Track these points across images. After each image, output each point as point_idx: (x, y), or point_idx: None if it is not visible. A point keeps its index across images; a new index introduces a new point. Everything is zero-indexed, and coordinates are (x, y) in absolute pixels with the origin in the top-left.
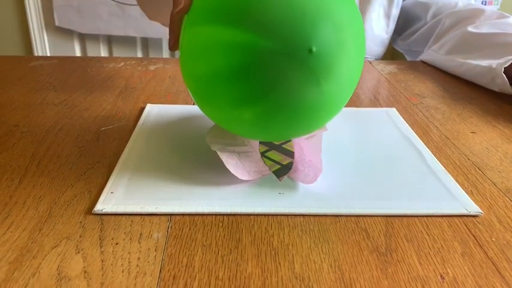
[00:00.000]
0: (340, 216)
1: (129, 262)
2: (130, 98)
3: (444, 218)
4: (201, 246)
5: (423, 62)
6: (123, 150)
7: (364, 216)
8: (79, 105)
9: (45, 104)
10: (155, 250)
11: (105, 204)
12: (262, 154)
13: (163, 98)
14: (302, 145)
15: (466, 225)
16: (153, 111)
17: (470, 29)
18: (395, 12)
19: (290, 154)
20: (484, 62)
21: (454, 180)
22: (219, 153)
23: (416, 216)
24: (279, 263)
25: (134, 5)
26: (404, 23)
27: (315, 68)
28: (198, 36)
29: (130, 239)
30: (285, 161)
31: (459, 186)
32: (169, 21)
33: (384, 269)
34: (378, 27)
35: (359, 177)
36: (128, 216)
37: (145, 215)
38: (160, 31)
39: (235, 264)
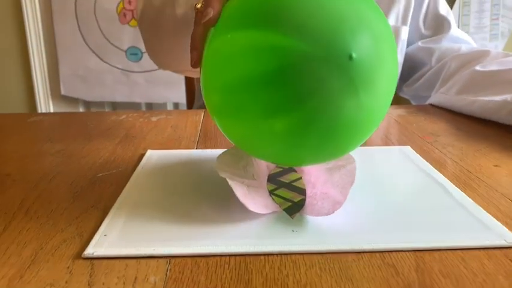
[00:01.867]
0: (363, 252)
1: None
2: (131, 145)
3: (481, 250)
4: None
5: (432, 105)
6: (120, 194)
7: (390, 251)
8: (76, 154)
9: (41, 153)
10: None
11: (97, 247)
12: (271, 192)
13: (164, 145)
14: (313, 180)
15: (507, 257)
16: (154, 156)
17: (478, 68)
18: (399, 58)
19: (301, 191)
20: (498, 97)
21: (485, 212)
22: (228, 180)
23: (450, 249)
24: None
25: (139, 72)
26: (409, 70)
27: (355, 77)
28: (228, 42)
29: (124, 283)
30: (297, 198)
31: (493, 218)
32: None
33: None
34: None
35: (380, 212)
36: (122, 260)
37: (141, 258)
38: (165, 96)
39: None
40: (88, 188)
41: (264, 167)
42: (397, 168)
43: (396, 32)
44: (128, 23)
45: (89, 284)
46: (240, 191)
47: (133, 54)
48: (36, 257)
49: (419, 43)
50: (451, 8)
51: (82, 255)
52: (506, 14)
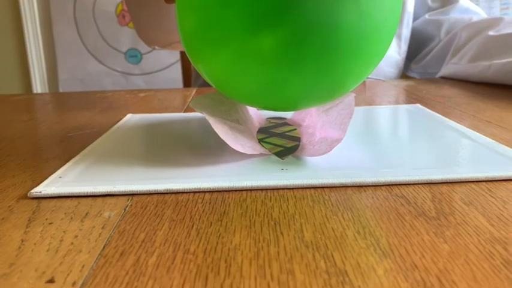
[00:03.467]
0: (366, 186)
1: (60, 241)
2: (111, 113)
3: (510, 182)
4: (168, 221)
5: (443, 78)
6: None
7: (400, 184)
8: (49, 121)
9: (11, 121)
10: (102, 228)
11: (48, 187)
12: (261, 140)
13: (148, 113)
14: (311, 130)
15: None
16: (133, 119)
17: (491, 33)
18: (406, 32)
19: (295, 139)
20: None
21: (510, 148)
22: (206, 116)
23: (473, 181)
24: (281, 233)
25: (139, 74)
26: (417, 45)
27: None
28: None
29: (71, 218)
30: (289, 144)
31: None
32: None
33: (440, 232)
34: (390, 48)
35: (387, 148)
36: (74, 199)
37: (98, 196)
38: None
39: (216, 236)
40: (55, 144)
41: (253, 116)
42: (406, 118)
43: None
44: (127, 24)
45: (29, 220)
46: (221, 128)
47: (132, 56)
48: None
49: (427, 16)
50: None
51: (28, 194)
52: None
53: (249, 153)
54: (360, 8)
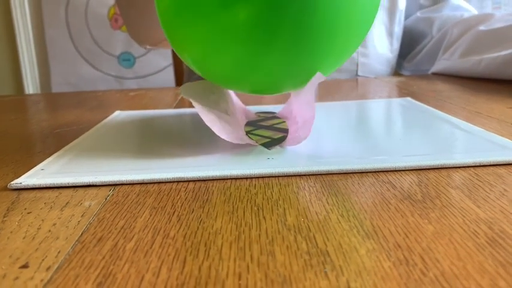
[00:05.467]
0: (353, 173)
1: (38, 229)
2: (101, 111)
3: (499, 167)
4: (149, 208)
5: (434, 74)
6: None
7: (387, 171)
8: (37, 118)
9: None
10: (81, 216)
11: (28, 178)
12: (248, 133)
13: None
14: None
15: None
16: (121, 115)
17: (482, 28)
18: (397, 30)
19: (283, 131)
20: (506, 51)
21: (499, 136)
22: (193, 103)
23: (460, 167)
24: (263, 217)
25: (132, 78)
26: (409, 44)
27: None
28: None
29: (51, 207)
30: (277, 135)
31: (509, 140)
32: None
33: (424, 214)
34: (381, 46)
35: (375, 138)
36: (56, 190)
37: (79, 187)
38: None
39: (197, 221)
40: (41, 140)
41: (241, 111)
42: (396, 111)
43: (393, 1)
44: (119, 28)
45: (7, 210)
46: (208, 116)
47: (126, 60)
48: None
49: (418, 13)
50: None
51: (8, 186)
52: (508, 3)
53: (235, 142)
54: None
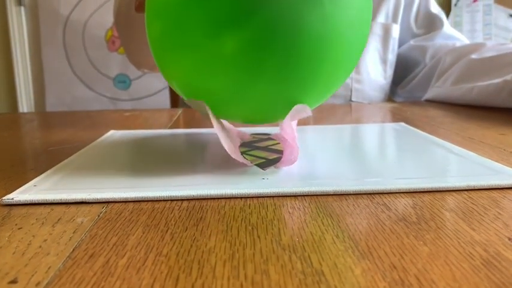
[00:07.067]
0: (347, 194)
1: (28, 244)
2: (95, 130)
3: (492, 191)
4: (142, 226)
5: (428, 101)
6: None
7: (381, 193)
8: (30, 136)
9: None
10: (73, 232)
11: (21, 194)
12: (243, 153)
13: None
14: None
15: None
16: (115, 135)
17: (474, 56)
18: (391, 57)
19: (278, 152)
20: (497, 80)
21: (493, 161)
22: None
23: (455, 190)
24: (258, 236)
25: (127, 100)
26: (403, 71)
27: None
28: None
29: (42, 223)
30: (271, 156)
31: (503, 165)
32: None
33: (420, 236)
34: (375, 73)
35: (370, 161)
36: (48, 206)
37: (72, 203)
38: None
39: (191, 240)
40: (33, 158)
41: (235, 133)
42: (390, 134)
43: (386, 29)
44: (116, 50)
45: None
46: (215, 122)
47: (121, 82)
48: None
49: (412, 42)
50: None
51: (0, 201)
52: (498, 34)
53: (233, 156)
54: (324, 12)
